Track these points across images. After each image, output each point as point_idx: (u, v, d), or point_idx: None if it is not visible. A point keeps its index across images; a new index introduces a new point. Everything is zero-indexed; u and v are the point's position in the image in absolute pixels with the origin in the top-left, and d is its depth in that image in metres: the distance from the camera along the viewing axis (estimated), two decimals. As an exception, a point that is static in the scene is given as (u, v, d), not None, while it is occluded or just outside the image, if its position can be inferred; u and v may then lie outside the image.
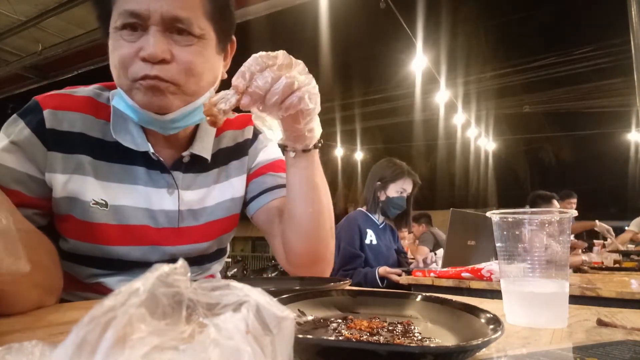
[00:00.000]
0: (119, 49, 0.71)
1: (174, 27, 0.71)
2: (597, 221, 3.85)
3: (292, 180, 0.82)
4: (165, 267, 0.22)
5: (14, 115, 0.76)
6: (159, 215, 0.82)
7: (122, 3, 0.70)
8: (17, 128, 0.74)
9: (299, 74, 0.67)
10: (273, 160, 0.97)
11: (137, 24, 0.70)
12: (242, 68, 0.64)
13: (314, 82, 0.69)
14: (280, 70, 0.65)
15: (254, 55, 0.65)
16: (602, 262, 2.77)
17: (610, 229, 3.74)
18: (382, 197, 2.47)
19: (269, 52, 0.66)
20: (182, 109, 0.75)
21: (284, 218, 0.87)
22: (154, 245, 0.81)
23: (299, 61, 0.69)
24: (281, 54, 0.66)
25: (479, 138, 9.96)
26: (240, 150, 0.94)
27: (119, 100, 0.75)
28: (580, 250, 3.09)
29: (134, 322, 0.19)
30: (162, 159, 0.81)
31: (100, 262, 0.79)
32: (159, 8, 0.69)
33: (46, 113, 0.75)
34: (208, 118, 0.64)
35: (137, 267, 0.81)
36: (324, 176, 0.85)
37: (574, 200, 4.27)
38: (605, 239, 3.90)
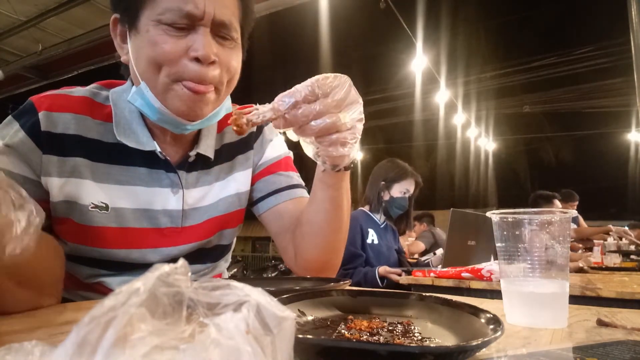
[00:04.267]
0: (163, 44, 0.69)
1: (219, 31, 0.73)
2: (610, 226, 3.85)
3: (318, 195, 0.81)
4: (166, 267, 0.22)
5: (9, 117, 0.75)
6: (161, 216, 0.81)
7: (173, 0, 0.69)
8: (12, 130, 0.73)
9: (349, 113, 0.63)
10: (281, 157, 0.97)
11: (186, 23, 0.70)
12: (292, 89, 0.61)
13: (360, 124, 0.65)
14: (331, 105, 0.60)
15: (311, 80, 0.61)
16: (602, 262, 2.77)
17: (627, 230, 3.73)
18: (386, 197, 2.48)
19: (331, 78, 0.61)
20: (209, 114, 0.76)
21: (302, 225, 0.86)
22: (154, 247, 0.81)
23: (358, 98, 0.64)
24: (341, 85, 0.62)
25: (479, 138, 9.96)
26: (244, 144, 0.93)
27: (136, 97, 0.74)
28: (580, 252, 3.09)
29: (135, 322, 0.19)
30: (168, 158, 0.80)
31: (100, 264, 0.79)
32: (212, 11, 0.70)
33: (41, 115, 0.74)
34: (235, 128, 0.62)
35: (139, 268, 0.80)
36: (349, 193, 0.83)
37: (576, 203, 4.27)
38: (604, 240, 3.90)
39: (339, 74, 0.63)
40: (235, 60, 0.77)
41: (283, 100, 0.61)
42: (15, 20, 3.71)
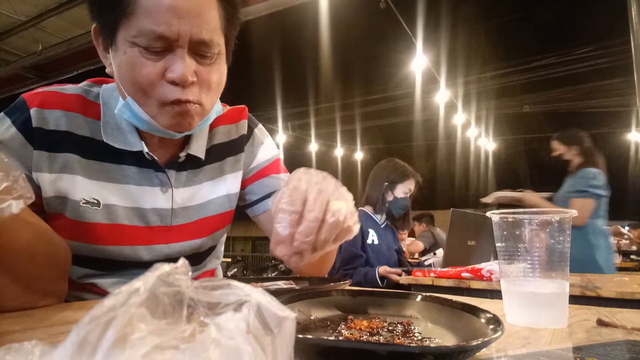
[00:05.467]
0: (140, 68, 0.68)
1: (198, 49, 0.71)
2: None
3: None
4: (166, 267, 0.22)
5: (1, 114, 0.76)
6: (150, 215, 0.81)
7: (146, 21, 0.66)
8: (4, 127, 0.74)
9: (335, 195, 0.53)
10: (272, 160, 0.98)
11: (161, 46, 0.68)
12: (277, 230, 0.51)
13: (350, 200, 0.56)
14: (318, 203, 0.51)
15: (280, 207, 0.51)
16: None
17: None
18: (390, 198, 2.49)
19: (288, 192, 0.52)
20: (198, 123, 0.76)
21: None
22: (146, 245, 0.81)
23: (324, 177, 0.55)
24: (302, 182, 0.53)
25: (479, 138, 9.96)
26: (235, 146, 0.93)
27: (125, 110, 0.74)
28: None
29: (135, 322, 0.19)
30: (156, 158, 0.80)
31: (93, 262, 0.79)
32: (188, 31, 0.67)
33: (33, 111, 0.75)
34: None
35: (131, 267, 0.81)
36: None
37: None
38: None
39: (292, 182, 0.54)
40: (217, 74, 0.75)
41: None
42: (15, 20, 3.71)
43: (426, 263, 2.65)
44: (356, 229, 0.56)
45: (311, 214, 0.52)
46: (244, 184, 0.95)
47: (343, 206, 0.54)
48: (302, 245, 0.51)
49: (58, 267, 0.69)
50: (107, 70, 0.77)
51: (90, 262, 0.79)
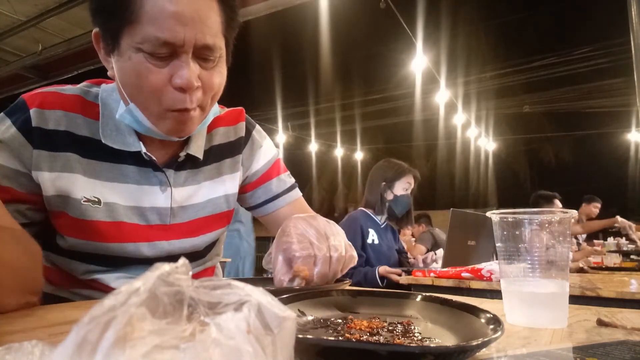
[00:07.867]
0: (146, 74, 0.69)
1: (201, 54, 0.71)
2: (618, 217, 3.78)
3: None
4: (166, 266, 0.22)
5: (1, 114, 0.77)
6: (149, 213, 0.82)
7: (151, 28, 0.66)
8: (4, 127, 0.75)
9: (333, 237, 0.74)
10: (273, 161, 1.00)
11: (167, 52, 0.68)
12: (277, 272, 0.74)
13: (342, 233, 0.77)
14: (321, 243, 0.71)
15: (279, 250, 0.74)
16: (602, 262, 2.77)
17: (632, 225, 3.69)
18: (390, 197, 2.48)
19: (286, 232, 0.73)
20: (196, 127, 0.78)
21: None
22: (148, 241, 0.82)
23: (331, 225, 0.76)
24: (304, 225, 0.74)
25: (479, 138, 9.96)
26: (233, 148, 0.95)
27: (126, 115, 0.75)
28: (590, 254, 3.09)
29: (135, 322, 0.19)
30: (154, 158, 0.81)
31: (96, 258, 0.80)
32: (192, 37, 0.68)
33: (32, 112, 0.76)
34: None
35: (133, 263, 0.82)
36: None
37: (599, 205, 4.28)
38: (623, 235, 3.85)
39: (297, 229, 0.74)
40: (218, 77, 0.76)
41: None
42: (15, 20, 3.70)
43: (429, 260, 2.62)
44: (356, 255, 0.75)
45: (321, 253, 0.70)
46: (248, 188, 0.98)
47: (340, 240, 0.73)
48: (319, 281, 0.71)
49: (35, 266, 0.66)
50: (109, 74, 0.77)
51: (94, 258, 0.80)
